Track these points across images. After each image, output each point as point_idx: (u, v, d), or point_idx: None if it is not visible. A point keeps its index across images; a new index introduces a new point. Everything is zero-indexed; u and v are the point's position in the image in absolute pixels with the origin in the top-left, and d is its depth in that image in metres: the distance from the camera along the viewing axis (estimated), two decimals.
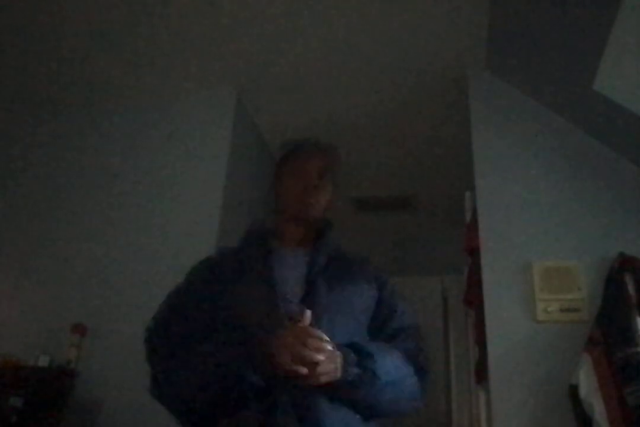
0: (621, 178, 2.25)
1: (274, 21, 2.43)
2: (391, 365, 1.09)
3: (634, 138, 2.18)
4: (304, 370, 0.96)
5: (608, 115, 2.18)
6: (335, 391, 1.02)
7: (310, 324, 1.02)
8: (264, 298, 1.10)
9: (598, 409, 1.79)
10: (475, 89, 2.61)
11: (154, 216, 2.59)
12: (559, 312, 2.05)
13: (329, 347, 1.00)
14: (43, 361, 2.21)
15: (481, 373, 2.14)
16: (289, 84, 2.83)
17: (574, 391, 1.88)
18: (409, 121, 3.04)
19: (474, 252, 2.34)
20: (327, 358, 0.99)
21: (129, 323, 2.34)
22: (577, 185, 2.27)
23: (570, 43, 2.10)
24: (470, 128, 2.52)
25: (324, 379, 0.99)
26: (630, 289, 1.92)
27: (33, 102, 2.99)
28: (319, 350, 0.98)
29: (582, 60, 2.08)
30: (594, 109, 2.22)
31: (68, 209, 2.71)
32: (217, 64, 2.71)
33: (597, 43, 1.94)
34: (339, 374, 1.01)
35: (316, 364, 0.97)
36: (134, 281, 2.44)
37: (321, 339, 1.00)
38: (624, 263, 2.00)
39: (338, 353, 1.02)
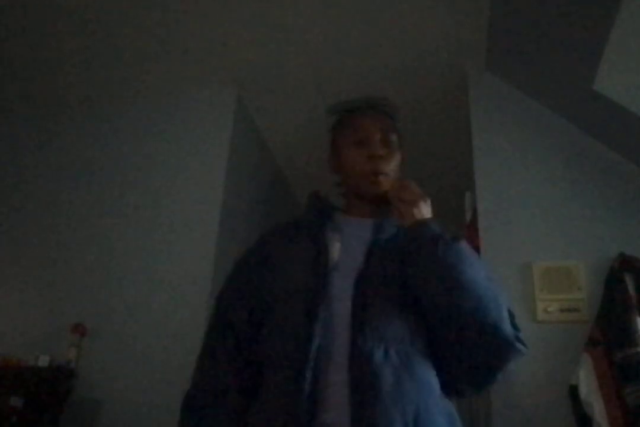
0: (621, 178, 2.25)
1: (274, 21, 2.43)
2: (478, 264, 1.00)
3: (634, 138, 2.18)
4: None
5: (608, 115, 2.18)
6: (416, 238, 0.97)
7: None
8: (311, 268, 1.02)
9: (598, 409, 1.79)
10: (475, 89, 2.61)
11: (154, 216, 2.59)
12: (559, 312, 2.05)
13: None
14: (43, 361, 2.21)
15: None
16: (289, 84, 2.83)
17: (574, 391, 1.88)
18: (409, 121, 3.03)
19: None
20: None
21: (129, 323, 2.35)
22: (578, 185, 2.27)
23: (570, 43, 2.10)
24: (470, 128, 2.52)
25: (409, 206, 1.01)
26: (630, 289, 1.93)
27: (33, 102, 2.98)
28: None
29: (582, 60, 2.07)
30: (594, 109, 2.22)
31: (68, 209, 2.71)
32: (217, 64, 2.71)
33: (597, 43, 1.94)
34: (426, 214, 1.01)
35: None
36: (134, 281, 2.44)
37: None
38: (624, 263, 2.00)
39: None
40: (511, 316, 0.97)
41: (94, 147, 2.86)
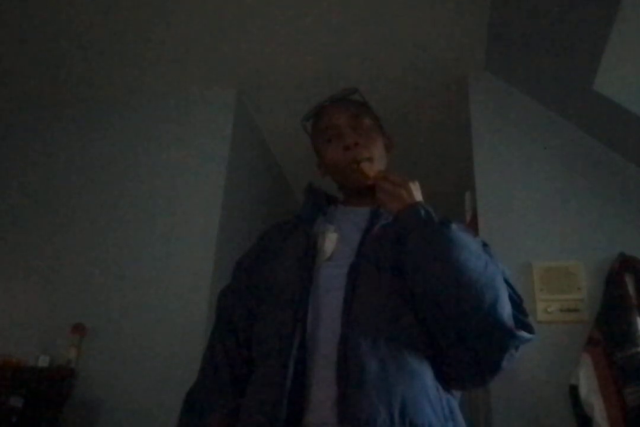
0: (621, 178, 2.25)
1: (273, 22, 2.43)
2: (473, 244, 0.95)
3: (634, 138, 2.18)
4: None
5: (608, 115, 2.18)
6: (405, 223, 0.95)
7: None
8: (300, 261, 1.01)
9: (598, 409, 1.79)
10: (475, 89, 2.61)
11: (154, 216, 2.59)
12: (559, 312, 2.05)
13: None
14: (43, 361, 2.21)
15: None
16: (289, 84, 2.83)
17: (574, 391, 1.88)
18: (409, 121, 3.04)
19: None
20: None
21: (129, 323, 2.35)
22: (577, 185, 2.27)
23: (570, 43, 2.10)
24: (470, 128, 2.52)
25: (396, 190, 0.97)
26: (630, 289, 1.93)
27: (33, 102, 2.99)
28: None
29: (582, 60, 2.08)
30: (594, 109, 2.22)
31: (68, 209, 2.71)
32: (217, 64, 2.71)
33: (597, 43, 1.94)
34: (412, 199, 0.96)
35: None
36: (134, 281, 2.44)
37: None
38: (624, 263, 2.00)
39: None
40: (517, 300, 0.94)
41: (94, 147, 2.86)
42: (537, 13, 2.13)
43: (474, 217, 2.39)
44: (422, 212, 0.95)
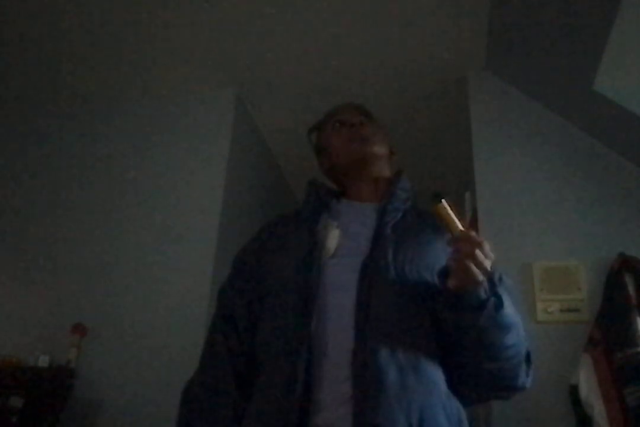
0: (621, 178, 2.25)
1: (274, 21, 2.43)
2: (509, 304, 0.91)
3: (634, 138, 2.18)
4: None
5: (608, 115, 2.18)
6: (461, 308, 0.87)
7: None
8: (304, 258, 0.99)
9: (598, 409, 1.79)
10: (475, 89, 2.61)
11: (154, 216, 2.59)
12: (559, 312, 2.05)
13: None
14: (43, 361, 2.21)
15: None
16: (289, 84, 2.83)
17: (574, 391, 1.88)
18: (409, 121, 3.04)
19: None
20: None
21: (129, 323, 2.35)
22: (577, 185, 2.27)
23: (570, 43, 2.10)
24: (470, 128, 2.52)
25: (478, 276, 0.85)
26: (630, 289, 1.92)
27: (33, 102, 2.99)
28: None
29: (582, 60, 2.08)
30: (594, 109, 2.22)
31: (68, 209, 2.71)
32: (217, 64, 2.71)
33: (597, 43, 1.94)
34: (479, 278, 0.85)
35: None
36: (134, 281, 2.44)
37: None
38: (624, 263, 2.00)
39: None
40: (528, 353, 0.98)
41: (95, 147, 2.86)
42: (537, 13, 2.13)
43: (474, 217, 2.39)
44: (483, 294, 0.87)
